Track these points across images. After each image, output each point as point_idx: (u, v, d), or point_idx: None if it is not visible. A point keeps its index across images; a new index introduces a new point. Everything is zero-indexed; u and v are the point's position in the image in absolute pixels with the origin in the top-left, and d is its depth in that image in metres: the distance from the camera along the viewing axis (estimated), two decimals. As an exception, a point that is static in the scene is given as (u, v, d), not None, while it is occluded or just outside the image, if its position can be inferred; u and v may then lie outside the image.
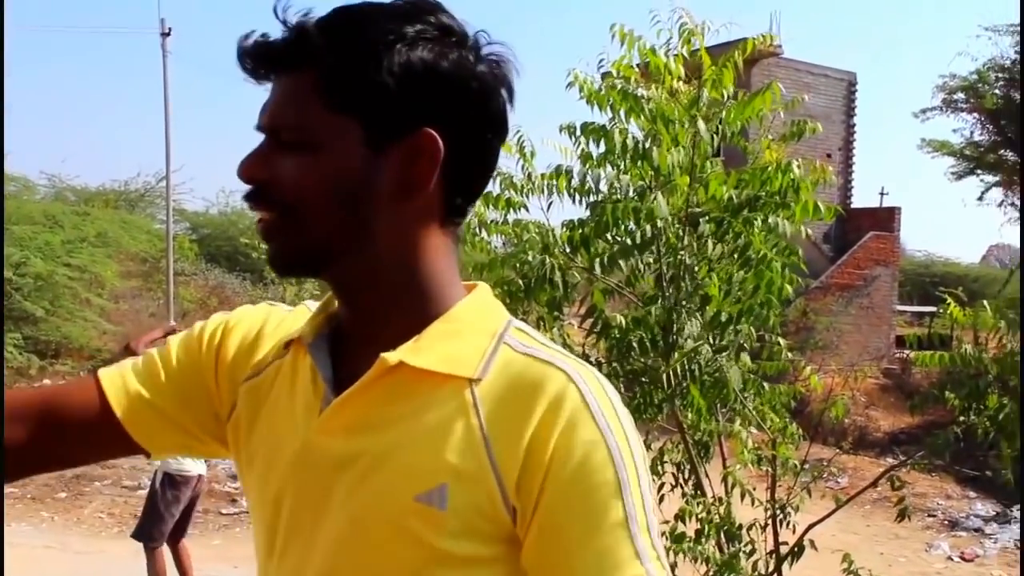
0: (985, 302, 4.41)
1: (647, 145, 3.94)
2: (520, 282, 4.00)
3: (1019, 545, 10.53)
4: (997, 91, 20.69)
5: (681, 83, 4.09)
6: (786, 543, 4.29)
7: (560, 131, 4.11)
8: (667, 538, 4.12)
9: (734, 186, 4.03)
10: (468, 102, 1.07)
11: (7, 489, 8.80)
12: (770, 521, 4.30)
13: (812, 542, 4.23)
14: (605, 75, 4.12)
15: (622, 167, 4.02)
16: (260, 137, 1.10)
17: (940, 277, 27.59)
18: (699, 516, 4.13)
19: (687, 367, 3.96)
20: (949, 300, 4.33)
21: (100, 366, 1.31)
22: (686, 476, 4.47)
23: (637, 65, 4.11)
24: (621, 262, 3.93)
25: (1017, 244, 33.91)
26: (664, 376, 3.97)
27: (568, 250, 4.10)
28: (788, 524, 4.31)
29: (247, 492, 1.24)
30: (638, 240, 3.91)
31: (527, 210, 4.27)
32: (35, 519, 9.51)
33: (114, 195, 25.94)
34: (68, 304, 17.27)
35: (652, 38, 4.08)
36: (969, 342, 4.49)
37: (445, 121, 1.06)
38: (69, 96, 63.07)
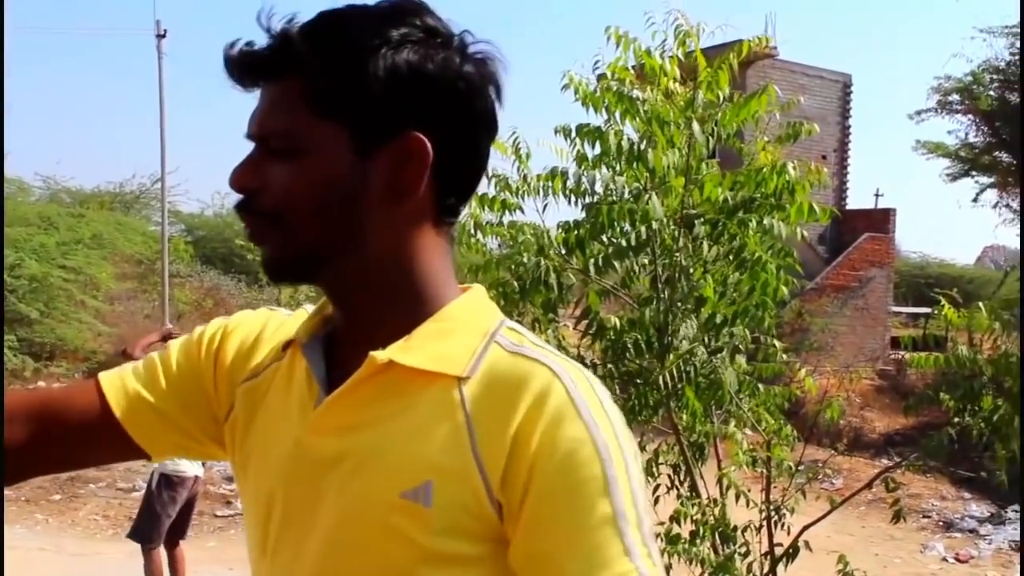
0: (980, 303, 4.42)
1: (642, 147, 3.95)
2: (515, 284, 4.00)
3: (1014, 546, 10.55)
4: (992, 93, 20.71)
5: (676, 85, 4.09)
6: (781, 544, 4.30)
7: (555, 133, 4.12)
8: (662, 539, 4.13)
9: (729, 188, 4.03)
10: (455, 103, 1.07)
11: (2, 491, 8.77)
12: (765, 522, 4.31)
13: (807, 543, 4.24)
14: (600, 77, 4.12)
15: (617, 168, 4.02)
16: (246, 139, 1.10)
17: (935, 278, 27.67)
18: (694, 518, 4.14)
19: (682, 369, 3.96)
20: (944, 302, 4.33)
21: (95, 368, 1.31)
22: (681, 478, 4.47)
23: (632, 67, 4.11)
24: (616, 263, 3.93)
25: (1012, 245, 34.01)
26: (659, 378, 3.97)
27: (563, 252, 4.10)
28: (783, 525, 4.32)
29: (242, 492, 1.24)
30: (633, 242, 3.91)
31: (522, 212, 4.28)
32: (29, 521, 9.48)
33: (109, 197, 25.93)
34: (63, 306, 17.24)
35: (647, 40, 4.09)
36: (964, 343, 4.50)
37: (433, 123, 1.06)
38: (64, 98, 63.12)
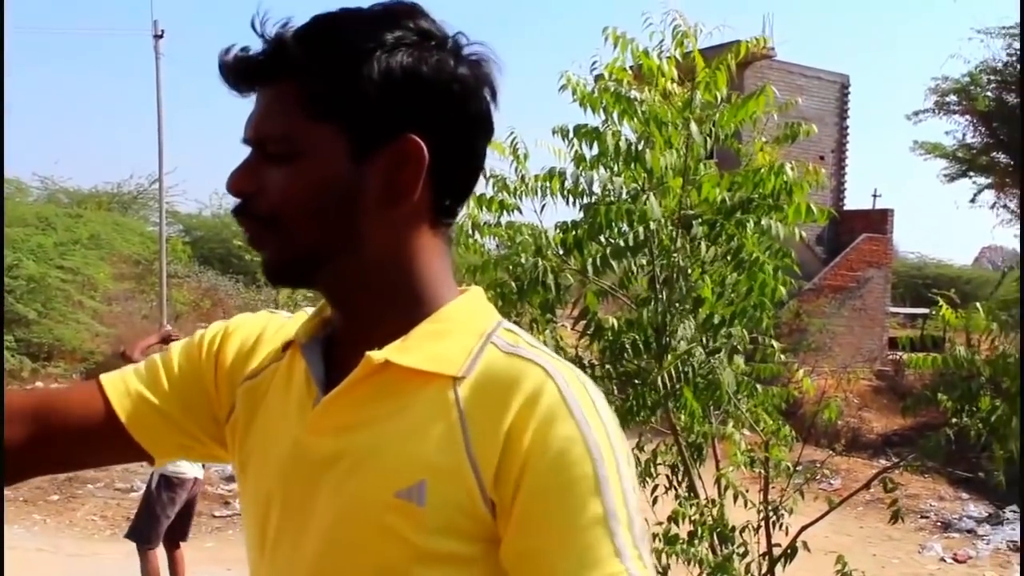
0: (977, 304, 4.42)
1: (640, 147, 3.95)
2: (513, 284, 4.00)
3: (1012, 546, 10.55)
4: (989, 93, 20.74)
5: (674, 85, 4.09)
6: (779, 545, 4.30)
7: (553, 133, 4.11)
8: (660, 540, 4.13)
9: (727, 188, 4.03)
10: (450, 105, 1.08)
11: None
12: (763, 523, 4.30)
13: (805, 544, 4.24)
14: (598, 77, 4.12)
15: (615, 169, 4.02)
16: (243, 144, 1.11)
17: (933, 279, 27.72)
18: (692, 518, 4.14)
19: (680, 369, 3.96)
20: (941, 302, 4.34)
21: (93, 368, 1.32)
22: (679, 478, 4.46)
23: (630, 67, 4.11)
24: (614, 263, 3.92)
25: (1009, 246, 34.06)
26: (657, 378, 3.96)
27: (561, 252, 4.10)
28: (781, 526, 4.31)
29: (241, 492, 1.25)
30: (631, 242, 3.91)
31: (520, 212, 4.27)
32: (27, 522, 9.48)
33: (107, 197, 25.96)
34: (60, 306, 17.25)
35: (645, 40, 4.09)
36: (961, 344, 4.51)
37: (428, 125, 1.07)
38: (62, 98, 63.12)
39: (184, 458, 1.36)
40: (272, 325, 1.28)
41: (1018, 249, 26.64)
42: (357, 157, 1.06)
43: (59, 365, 16.57)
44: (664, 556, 4.10)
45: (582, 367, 4.22)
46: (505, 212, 4.25)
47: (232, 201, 1.11)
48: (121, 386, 1.23)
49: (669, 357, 3.98)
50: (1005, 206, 22.92)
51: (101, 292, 18.97)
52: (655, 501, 4.53)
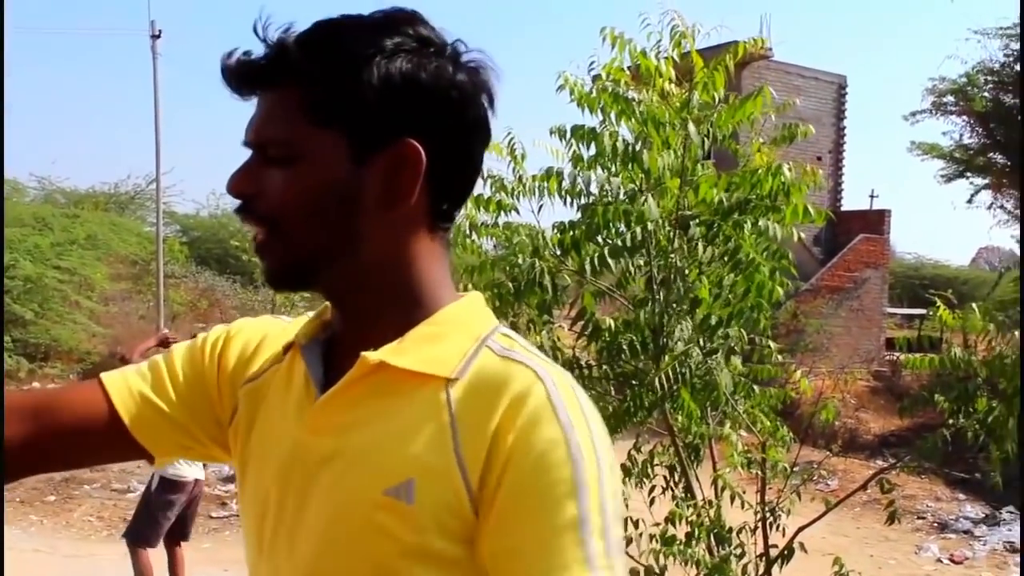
0: (974, 305, 4.43)
1: (637, 148, 3.95)
2: (510, 285, 4.00)
3: (1008, 547, 10.56)
4: (986, 94, 20.76)
5: (672, 86, 4.09)
6: (776, 546, 4.30)
7: (551, 133, 4.12)
8: (657, 541, 4.13)
9: (724, 189, 4.03)
10: (449, 111, 1.09)
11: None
12: (760, 524, 4.31)
13: (802, 545, 4.24)
14: (596, 78, 4.12)
15: (613, 169, 4.02)
16: (244, 146, 1.13)
17: (930, 279, 27.73)
18: (689, 519, 4.14)
19: (677, 370, 3.96)
20: (939, 303, 4.34)
21: (90, 369, 1.32)
22: (677, 479, 4.47)
23: (628, 68, 4.11)
24: (611, 262, 3.92)
25: (1006, 247, 34.10)
26: (655, 379, 3.97)
27: (558, 253, 4.10)
28: (778, 527, 4.32)
29: (240, 492, 1.26)
30: (629, 243, 3.91)
31: (518, 212, 4.27)
32: (24, 522, 9.47)
33: (104, 197, 25.94)
34: (57, 307, 17.25)
35: (643, 41, 4.09)
36: (958, 345, 4.51)
37: (427, 131, 1.08)
38: (59, 98, 63.03)
39: (183, 458, 1.37)
40: (273, 329, 1.29)
41: (1014, 250, 26.68)
42: (356, 160, 1.08)
43: (56, 365, 16.57)
44: (661, 557, 4.10)
45: (579, 368, 4.22)
46: (503, 212, 4.25)
47: (230, 202, 1.12)
48: (123, 385, 1.24)
49: (666, 358, 3.98)
50: (1002, 207, 22.95)
51: (98, 292, 18.97)
52: (652, 502, 4.53)
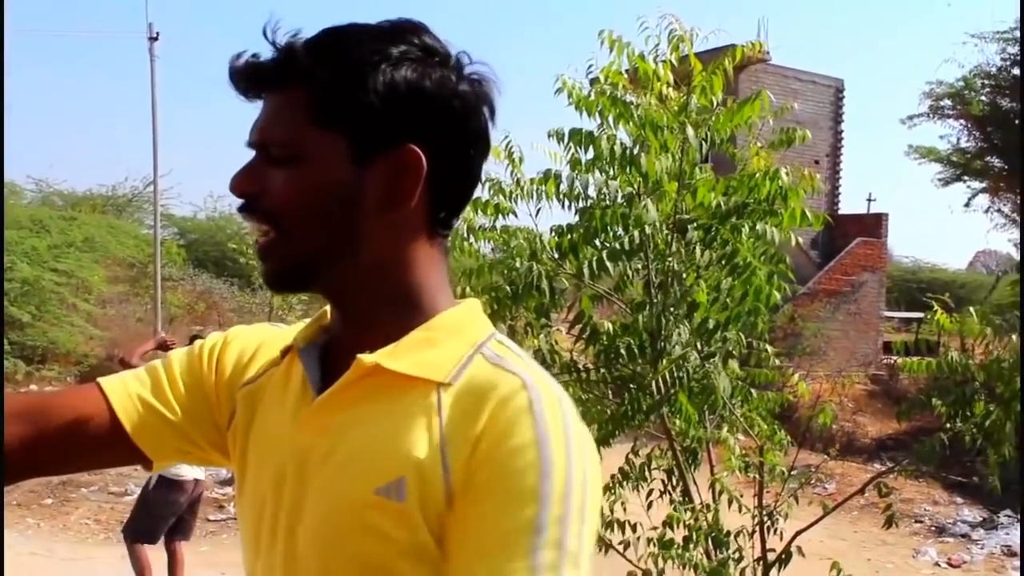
0: (972, 308, 4.43)
1: (635, 151, 3.95)
2: (508, 288, 4.00)
3: (1006, 551, 10.57)
4: (983, 98, 20.81)
5: (670, 89, 4.09)
6: (773, 550, 4.30)
7: (549, 136, 4.12)
8: (655, 544, 4.13)
9: (722, 193, 4.04)
10: (450, 120, 1.11)
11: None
12: (758, 528, 4.31)
13: (800, 548, 4.24)
14: (594, 81, 4.12)
15: (611, 173, 4.03)
16: (246, 147, 1.14)
17: (927, 283, 27.71)
18: (687, 523, 4.14)
19: (675, 374, 3.96)
20: (936, 306, 4.34)
21: (87, 371, 1.32)
22: (674, 483, 4.47)
23: (626, 71, 4.11)
24: (609, 266, 3.92)
25: (1004, 250, 34.14)
26: (652, 383, 3.97)
27: (556, 256, 4.10)
28: (776, 531, 4.32)
29: (238, 494, 1.26)
30: (626, 246, 3.92)
31: (515, 215, 4.27)
32: (21, 525, 9.46)
33: (101, 200, 25.94)
34: (55, 309, 17.23)
35: (641, 44, 4.09)
36: (956, 349, 4.51)
37: (428, 138, 1.10)
38: (57, 100, 62.93)
39: (183, 461, 1.37)
40: (270, 335, 1.30)
41: (1012, 253, 26.74)
42: (358, 162, 1.09)
43: (53, 368, 16.55)
44: (659, 561, 4.10)
45: (577, 371, 4.22)
46: (500, 216, 4.25)
47: (228, 205, 1.13)
48: (122, 390, 1.24)
49: (664, 361, 3.98)
50: (999, 210, 23.01)
51: (95, 295, 18.96)
52: (650, 505, 4.53)
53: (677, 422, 4.22)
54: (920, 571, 10.05)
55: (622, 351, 4.05)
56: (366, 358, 1.09)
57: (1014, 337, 4.41)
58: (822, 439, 10.56)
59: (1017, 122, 19.58)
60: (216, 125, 74.98)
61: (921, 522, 11.79)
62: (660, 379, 3.95)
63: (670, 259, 4.05)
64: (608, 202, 3.96)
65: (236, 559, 1.30)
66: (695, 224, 4.04)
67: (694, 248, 4.02)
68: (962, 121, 21.80)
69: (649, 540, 4.20)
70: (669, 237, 4.05)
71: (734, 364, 4.22)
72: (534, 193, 4.16)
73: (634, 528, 4.32)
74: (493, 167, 4.23)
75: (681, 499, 4.35)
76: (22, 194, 24.19)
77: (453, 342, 1.12)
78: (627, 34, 4.06)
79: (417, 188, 1.10)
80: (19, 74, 50.19)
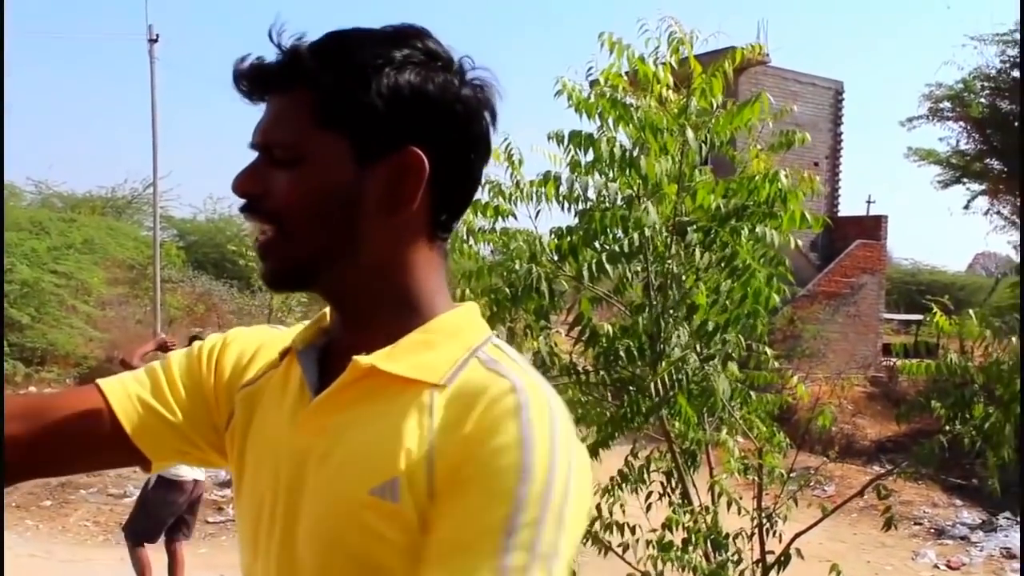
0: (971, 311, 4.43)
1: (635, 153, 3.95)
2: (507, 290, 4.00)
3: (1005, 553, 10.58)
4: (983, 100, 20.82)
5: (670, 92, 4.10)
6: (773, 552, 4.30)
7: (548, 139, 4.12)
8: (654, 547, 4.13)
9: (722, 195, 4.04)
10: (453, 123, 1.12)
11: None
12: (757, 530, 4.31)
13: (799, 551, 4.24)
14: (594, 83, 4.12)
15: (610, 175, 4.03)
16: (249, 148, 1.15)
17: (926, 285, 27.70)
18: (686, 525, 4.14)
19: (674, 376, 3.96)
20: (935, 308, 4.34)
21: (86, 373, 1.33)
22: (673, 485, 4.47)
23: (626, 73, 4.11)
24: (609, 268, 3.92)
25: (1003, 252, 34.14)
26: (651, 385, 3.97)
27: (556, 258, 4.10)
28: (775, 533, 4.32)
29: (237, 495, 1.27)
30: (626, 248, 3.92)
31: (515, 218, 4.27)
32: (20, 527, 9.45)
33: (101, 202, 25.91)
34: (54, 311, 17.22)
35: (641, 47, 4.09)
36: (955, 351, 4.51)
37: (430, 141, 1.10)
38: (56, 102, 62.86)
39: (181, 463, 1.38)
40: (269, 337, 1.31)
41: (1011, 255, 26.75)
42: (360, 164, 1.10)
43: (52, 370, 16.55)
44: (658, 563, 4.10)
45: (576, 373, 4.22)
46: (500, 218, 4.25)
47: (227, 206, 1.13)
48: (122, 391, 1.25)
49: (663, 364, 3.98)
50: (999, 212, 23.02)
51: (95, 297, 18.96)
52: (649, 508, 4.53)
53: (676, 424, 4.22)
54: (919, 573, 10.05)
55: (621, 353, 4.05)
56: (362, 360, 1.10)
57: (1013, 339, 4.41)
58: (821, 441, 10.54)
59: (1017, 124, 19.58)
60: (216, 127, 75.07)
61: (920, 524, 11.80)
62: (659, 381, 3.95)
63: (669, 261, 4.05)
64: (608, 204, 3.96)
65: (235, 561, 1.30)
66: (695, 226, 4.04)
67: (693, 250, 4.02)
68: (962, 123, 21.82)
69: (648, 542, 4.20)
70: (669, 239, 4.05)
71: (733, 366, 4.22)
72: (534, 195, 4.16)
73: (633, 530, 4.33)
74: (493, 169, 4.24)
75: (680, 501, 4.35)
76: (22, 196, 24.18)
77: (450, 345, 1.13)
78: (627, 36, 4.07)
79: (419, 190, 1.11)
80: (19, 75, 50.22)
